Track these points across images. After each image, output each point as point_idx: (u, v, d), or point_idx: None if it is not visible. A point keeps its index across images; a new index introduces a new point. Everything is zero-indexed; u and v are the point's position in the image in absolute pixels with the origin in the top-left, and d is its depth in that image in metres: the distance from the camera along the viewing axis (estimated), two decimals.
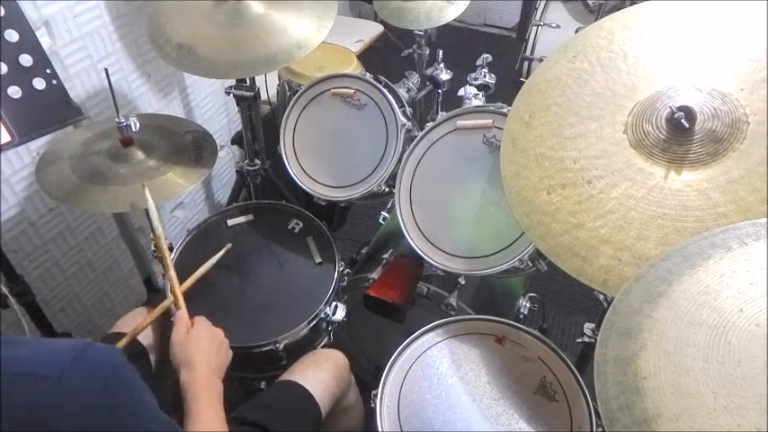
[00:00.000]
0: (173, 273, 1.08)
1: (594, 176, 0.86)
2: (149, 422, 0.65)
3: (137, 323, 1.07)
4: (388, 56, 2.57)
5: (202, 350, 0.94)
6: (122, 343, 1.02)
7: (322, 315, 1.26)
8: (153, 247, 1.32)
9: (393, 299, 1.24)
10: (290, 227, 1.45)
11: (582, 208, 0.86)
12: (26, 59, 1.00)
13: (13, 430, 0.54)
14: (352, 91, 1.38)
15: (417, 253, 1.24)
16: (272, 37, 1.28)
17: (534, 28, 2.45)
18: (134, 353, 1.09)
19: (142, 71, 1.62)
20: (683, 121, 0.78)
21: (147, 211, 1.11)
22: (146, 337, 1.13)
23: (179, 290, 1.07)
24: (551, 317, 1.96)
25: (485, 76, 1.46)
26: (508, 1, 3.43)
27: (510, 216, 0.97)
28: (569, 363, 1.06)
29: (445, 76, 1.63)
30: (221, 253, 1.28)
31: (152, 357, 1.14)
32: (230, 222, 1.45)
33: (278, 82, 1.96)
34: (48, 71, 1.02)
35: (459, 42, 3.26)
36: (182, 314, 1.01)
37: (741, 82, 0.80)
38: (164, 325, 1.18)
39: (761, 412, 0.51)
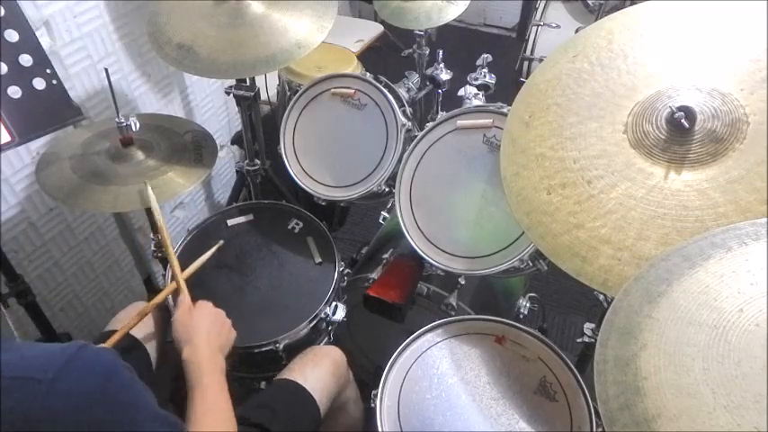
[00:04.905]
0: (176, 262, 1.14)
1: (594, 176, 0.86)
2: (147, 421, 0.64)
3: (133, 319, 1.06)
4: (388, 56, 2.56)
5: (204, 328, 0.96)
6: (116, 338, 1.01)
7: (322, 315, 1.26)
8: (153, 247, 1.33)
9: (393, 299, 1.23)
10: (290, 227, 1.45)
11: (582, 208, 0.86)
12: (26, 59, 1.00)
13: None
14: (352, 91, 1.38)
15: (417, 253, 1.24)
16: (272, 37, 1.28)
17: (534, 28, 2.45)
18: (129, 346, 1.08)
19: (142, 71, 1.62)
20: (683, 121, 0.79)
21: (147, 210, 1.11)
22: (144, 332, 1.13)
23: (182, 278, 1.10)
24: (551, 317, 1.95)
25: (485, 76, 1.46)
26: (508, 1, 3.42)
27: (510, 216, 0.97)
28: (569, 363, 1.06)
29: (445, 76, 1.63)
30: (213, 250, 1.31)
31: (151, 353, 1.14)
32: (230, 222, 1.45)
33: (278, 82, 1.96)
34: (48, 71, 1.03)
35: (459, 42, 3.25)
36: (184, 297, 1.03)
37: (741, 82, 0.80)
38: (164, 320, 1.18)
39: (761, 412, 0.51)
